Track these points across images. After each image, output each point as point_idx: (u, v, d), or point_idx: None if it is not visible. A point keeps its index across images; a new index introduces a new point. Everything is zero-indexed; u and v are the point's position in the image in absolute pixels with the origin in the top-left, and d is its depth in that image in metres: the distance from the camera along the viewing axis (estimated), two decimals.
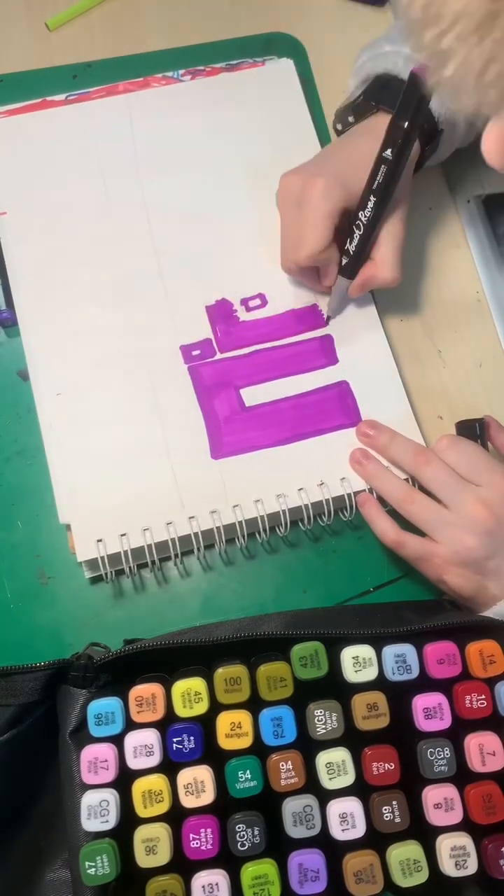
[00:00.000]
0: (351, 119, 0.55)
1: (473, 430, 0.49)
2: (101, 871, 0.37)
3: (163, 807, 0.38)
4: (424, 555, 0.46)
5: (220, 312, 0.54)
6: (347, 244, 0.50)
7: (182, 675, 0.40)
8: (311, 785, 0.39)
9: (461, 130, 0.53)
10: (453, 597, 0.47)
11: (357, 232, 0.49)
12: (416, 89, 0.45)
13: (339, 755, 0.39)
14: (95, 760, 0.38)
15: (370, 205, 0.48)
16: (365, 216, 0.48)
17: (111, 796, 0.38)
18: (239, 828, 0.38)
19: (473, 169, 0.60)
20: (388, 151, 0.46)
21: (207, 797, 0.38)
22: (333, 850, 0.39)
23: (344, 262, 0.51)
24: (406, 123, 0.46)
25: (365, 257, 0.51)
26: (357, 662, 0.40)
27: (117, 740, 0.39)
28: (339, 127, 0.58)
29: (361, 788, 0.39)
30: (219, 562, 0.52)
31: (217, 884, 0.37)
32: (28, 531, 0.51)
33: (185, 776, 0.39)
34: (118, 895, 0.38)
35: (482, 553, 0.44)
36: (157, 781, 0.38)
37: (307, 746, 0.40)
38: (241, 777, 0.39)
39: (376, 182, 0.47)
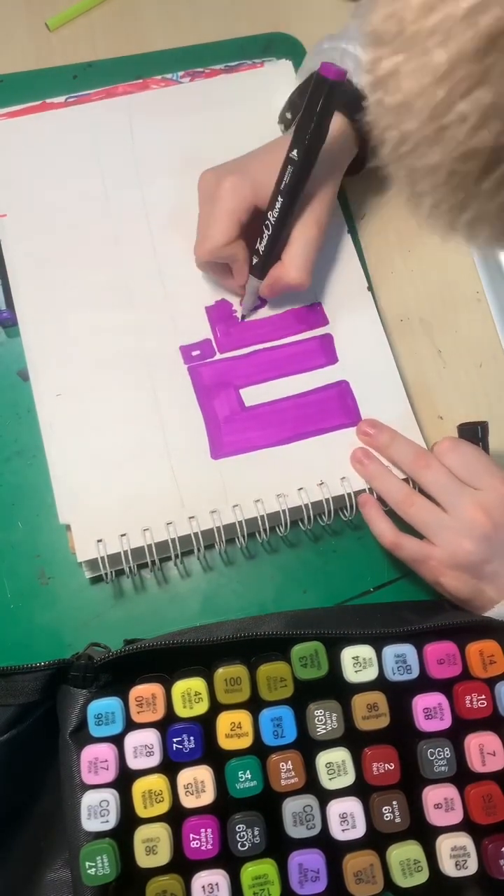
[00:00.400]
0: (289, 115, 0.56)
1: (475, 433, 0.49)
2: (102, 872, 0.37)
3: (163, 807, 0.38)
4: (421, 557, 0.46)
5: (220, 313, 0.54)
6: (257, 244, 0.50)
7: (182, 675, 0.40)
8: (312, 785, 0.39)
9: None
10: (451, 599, 0.47)
11: (266, 232, 0.49)
12: (322, 89, 0.44)
13: (339, 755, 0.39)
14: (95, 760, 0.38)
15: (278, 205, 0.48)
16: (273, 216, 0.48)
17: (111, 796, 0.38)
18: (239, 828, 0.38)
19: None
20: (295, 152, 0.46)
21: (207, 797, 0.38)
22: (333, 851, 0.39)
23: (254, 261, 0.51)
24: (312, 124, 0.45)
25: (274, 258, 0.51)
26: (357, 662, 0.40)
27: (117, 740, 0.39)
28: (282, 126, 0.58)
29: (361, 788, 0.39)
30: (219, 562, 0.52)
31: (217, 884, 0.37)
32: (28, 531, 0.51)
33: (186, 776, 0.39)
34: (118, 895, 0.38)
35: (479, 557, 0.44)
36: (158, 781, 0.38)
37: (307, 746, 0.40)
38: (242, 777, 0.39)
39: (283, 183, 0.47)
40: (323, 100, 0.44)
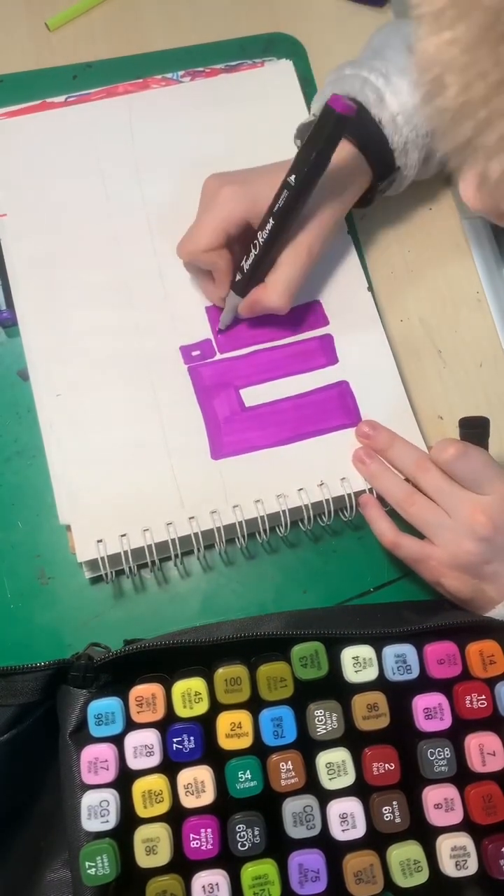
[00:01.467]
0: (299, 142, 0.55)
1: (478, 429, 0.48)
2: (102, 872, 0.37)
3: (163, 807, 0.38)
4: (422, 557, 0.46)
5: (220, 313, 0.54)
6: (243, 261, 0.50)
7: (182, 675, 0.40)
8: (312, 785, 0.39)
9: (414, 161, 0.52)
10: (451, 599, 0.47)
11: (253, 251, 0.49)
12: (328, 119, 0.44)
13: (340, 755, 0.39)
14: (95, 760, 0.38)
15: (268, 227, 0.47)
16: (261, 237, 0.48)
17: (111, 796, 0.38)
18: (239, 828, 0.38)
19: None
20: (293, 178, 0.45)
21: (207, 797, 0.38)
22: (333, 851, 0.39)
23: (238, 278, 0.51)
24: (314, 154, 0.44)
25: (258, 279, 0.50)
26: (357, 662, 0.40)
27: (117, 740, 0.39)
28: (298, 143, 0.57)
29: (361, 789, 0.39)
30: (219, 562, 0.52)
31: (217, 884, 0.37)
32: (28, 531, 0.51)
33: (186, 776, 0.39)
34: (118, 895, 0.38)
35: (480, 558, 0.44)
36: (158, 781, 0.38)
37: (307, 746, 0.40)
38: (242, 777, 0.39)
39: (276, 206, 0.47)
40: (327, 131, 0.44)
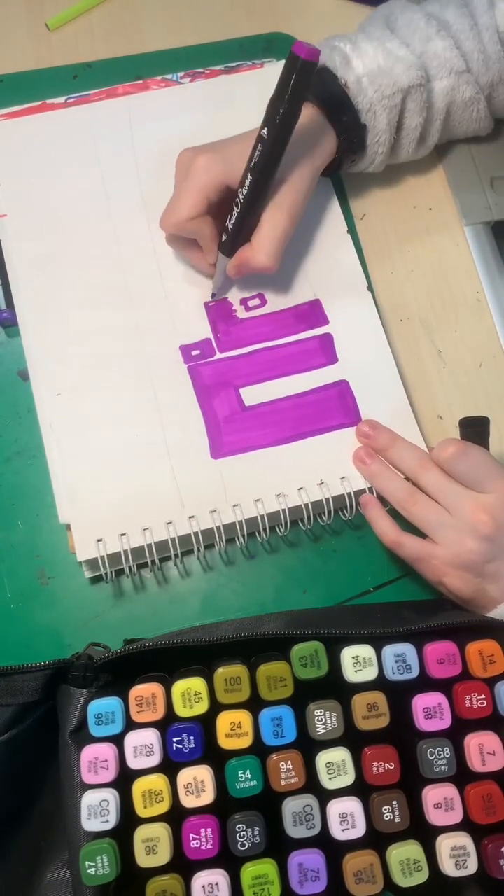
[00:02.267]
0: None
1: (478, 428, 0.48)
2: (102, 871, 0.37)
3: (163, 807, 0.38)
4: (423, 556, 0.46)
5: (220, 312, 0.54)
6: (227, 221, 0.50)
7: (182, 675, 0.40)
8: (311, 785, 0.39)
9: (383, 125, 0.53)
10: (453, 599, 0.47)
11: (235, 209, 0.49)
12: (294, 67, 0.44)
13: (339, 755, 0.39)
14: (95, 760, 0.38)
15: (248, 182, 0.48)
16: (242, 193, 0.48)
17: (111, 796, 0.38)
18: (239, 828, 0.38)
19: (483, 195, 0.61)
20: (265, 130, 0.46)
21: (207, 797, 0.38)
22: (333, 850, 0.39)
23: (224, 238, 0.51)
24: (284, 103, 0.45)
25: (243, 238, 0.51)
26: (357, 662, 0.40)
27: (117, 740, 0.39)
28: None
29: (361, 788, 0.39)
30: (219, 562, 0.52)
31: (217, 884, 0.37)
32: (28, 531, 0.51)
33: (185, 776, 0.39)
34: (118, 895, 0.38)
35: (482, 557, 0.44)
36: (157, 781, 0.38)
37: (307, 746, 0.40)
38: (241, 777, 0.39)
39: (253, 160, 0.47)
40: (294, 77, 0.44)
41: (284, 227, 0.50)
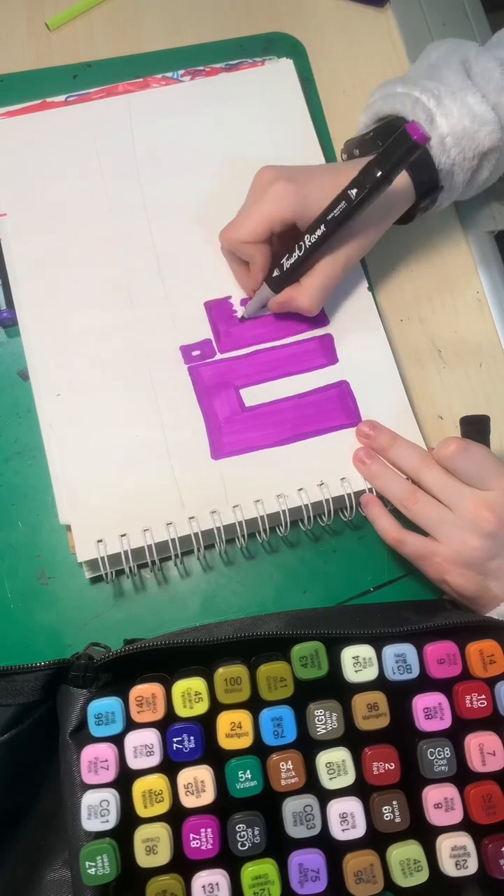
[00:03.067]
0: (357, 153, 0.55)
1: (479, 426, 0.48)
2: (102, 871, 0.37)
3: (163, 807, 0.38)
4: (426, 553, 0.46)
5: (220, 312, 0.54)
6: (284, 259, 0.50)
7: (182, 675, 0.40)
8: (312, 785, 0.39)
9: (459, 183, 0.53)
10: (455, 597, 0.47)
11: (297, 252, 0.49)
12: (403, 143, 0.44)
13: (340, 755, 0.39)
14: (95, 760, 0.38)
15: (318, 232, 0.47)
16: (309, 240, 0.48)
17: (111, 796, 0.38)
18: (239, 828, 0.38)
19: (486, 205, 0.61)
20: (353, 191, 0.46)
21: (207, 797, 0.38)
22: (334, 850, 0.39)
23: (275, 273, 0.51)
24: (380, 173, 0.45)
25: (294, 279, 0.51)
26: (357, 662, 0.40)
27: (117, 740, 0.39)
28: (344, 156, 0.58)
29: (362, 788, 0.39)
30: (219, 562, 0.52)
31: (217, 884, 0.37)
32: (28, 531, 0.51)
33: (186, 776, 0.38)
34: (118, 895, 0.38)
35: (485, 553, 0.44)
36: (158, 781, 0.38)
37: (307, 746, 0.40)
38: (242, 777, 0.39)
39: (331, 214, 0.47)
40: (398, 155, 0.44)
41: (336, 280, 0.50)
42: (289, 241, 0.50)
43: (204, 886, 0.37)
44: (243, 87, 0.60)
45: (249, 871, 0.38)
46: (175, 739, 0.39)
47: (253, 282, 0.52)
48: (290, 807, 0.39)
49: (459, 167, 0.51)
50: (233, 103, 0.59)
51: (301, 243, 0.49)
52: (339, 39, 0.64)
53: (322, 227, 0.47)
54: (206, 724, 0.40)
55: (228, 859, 0.38)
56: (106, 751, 0.39)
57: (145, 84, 0.60)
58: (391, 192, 0.49)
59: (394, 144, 0.44)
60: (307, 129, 0.59)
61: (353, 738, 0.40)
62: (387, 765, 0.39)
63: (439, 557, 0.46)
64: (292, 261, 0.49)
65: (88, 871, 0.37)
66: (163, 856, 0.37)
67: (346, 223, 0.47)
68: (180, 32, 0.63)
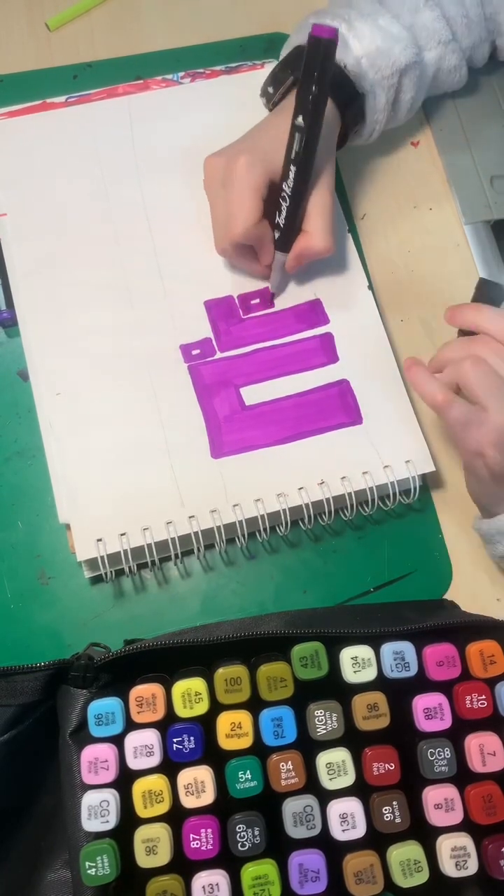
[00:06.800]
0: (270, 90, 0.56)
1: (498, 291, 0.47)
2: (102, 872, 0.37)
3: (163, 807, 0.38)
4: (472, 420, 0.44)
5: (220, 311, 0.54)
6: (277, 217, 0.50)
7: (182, 676, 0.40)
8: (312, 785, 0.39)
9: (381, 104, 0.53)
10: (482, 479, 0.46)
11: (284, 204, 0.49)
12: (318, 52, 0.43)
13: (340, 755, 0.39)
14: (96, 760, 0.38)
15: (291, 174, 0.47)
16: (288, 186, 0.48)
17: (111, 796, 0.38)
18: (239, 828, 0.38)
19: (481, 193, 0.61)
20: (300, 119, 0.45)
21: (207, 797, 0.38)
22: (334, 851, 0.39)
23: (276, 236, 0.51)
24: (314, 87, 0.44)
25: (296, 230, 0.50)
26: (356, 663, 0.40)
27: (117, 740, 0.39)
28: (264, 101, 0.58)
29: (362, 788, 0.39)
30: (219, 562, 0.52)
31: (217, 884, 0.37)
32: (28, 531, 0.51)
33: (186, 776, 0.38)
34: (118, 895, 0.38)
35: None
36: (158, 781, 0.38)
37: (307, 746, 0.39)
38: (242, 777, 0.39)
39: (293, 151, 0.47)
40: (320, 60, 0.43)
41: (330, 207, 0.50)
42: (271, 206, 0.50)
43: (204, 887, 0.37)
44: (243, 90, 0.60)
45: (249, 871, 0.38)
46: (175, 740, 0.39)
47: (266, 258, 0.52)
48: (291, 807, 0.38)
49: (380, 86, 0.52)
50: (232, 105, 0.59)
51: (283, 194, 0.49)
52: None
53: (292, 167, 0.47)
54: (206, 724, 0.40)
55: (228, 860, 0.38)
56: (106, 751, 0.39)
57: (145, 86, 0.60)
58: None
59: (310, 55, 0.44)
60: None
61: (353, 739, 0.40)
62: (387, 765, 0.39)
63: (487, 427, 0.43)
64: (284, 214, 0.49)
65: (88, 871, 0.37)
66: (163, 856, 0.37)
67: (312, 153, 0.47)
68: (180, 33, 0.63)
